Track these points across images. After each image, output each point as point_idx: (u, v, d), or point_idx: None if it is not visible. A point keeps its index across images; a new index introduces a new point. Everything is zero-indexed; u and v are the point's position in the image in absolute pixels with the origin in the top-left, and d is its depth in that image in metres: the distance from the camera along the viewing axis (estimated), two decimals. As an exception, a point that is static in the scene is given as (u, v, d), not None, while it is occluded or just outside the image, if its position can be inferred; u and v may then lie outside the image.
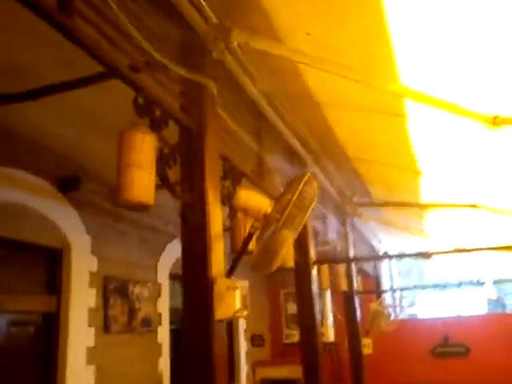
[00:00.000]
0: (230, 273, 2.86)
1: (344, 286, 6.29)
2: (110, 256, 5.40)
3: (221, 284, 2.71)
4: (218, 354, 2.73)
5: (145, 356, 5.71)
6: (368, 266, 9.01)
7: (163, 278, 6.33)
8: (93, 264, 5.11)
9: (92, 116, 3.86)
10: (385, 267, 9.48)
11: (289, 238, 2.76)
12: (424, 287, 8.11)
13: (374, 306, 6.64)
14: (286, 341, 7.37)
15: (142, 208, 2.32)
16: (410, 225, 6.88)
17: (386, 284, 9.31)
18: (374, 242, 8.68)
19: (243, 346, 8.56)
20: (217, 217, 2.82)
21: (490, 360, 8.55)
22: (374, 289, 8.81)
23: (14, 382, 4.24)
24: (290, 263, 4.19)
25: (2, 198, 4.16)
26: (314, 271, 4.85)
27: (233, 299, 2.68)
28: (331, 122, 4.09)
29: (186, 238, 2.77)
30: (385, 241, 8.70)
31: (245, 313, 2.78)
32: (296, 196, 2.45)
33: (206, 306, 2.66)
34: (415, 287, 8.15)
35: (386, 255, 6.39)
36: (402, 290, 8.14)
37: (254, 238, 2.85)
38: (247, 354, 8.60)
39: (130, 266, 5.72)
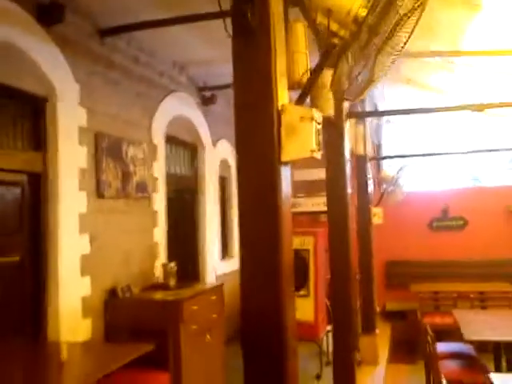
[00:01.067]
0: (301, 98, 2.14)
1: (360, 150, 5.67)
2: (100, 109, 4.53)
3: (292, 113, 2.00)
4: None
5: (140, 224, 5.11)
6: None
7: (159, 139, 5.55)
8: (82, 117, 4.26)
9: None
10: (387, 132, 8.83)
11: (386, 59, 2.01)
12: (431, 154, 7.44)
13: (385, 172, 6.12)
14: (293, 209, 6.83)
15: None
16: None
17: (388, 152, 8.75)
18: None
19: (235, 217, 8.11)
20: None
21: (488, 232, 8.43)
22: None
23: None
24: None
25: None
26: (347, 126, 4.16)
27: (308, 133, 1.99)
28: None
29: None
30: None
31: (320, 154, 2.11)
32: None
33: (271, 145, 1.99)
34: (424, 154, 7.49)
35: (421, 109, 5.59)
36: (405, 157, 7.53)
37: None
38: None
39: (122, 123, 4.89)
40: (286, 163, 2.07)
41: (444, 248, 8.65)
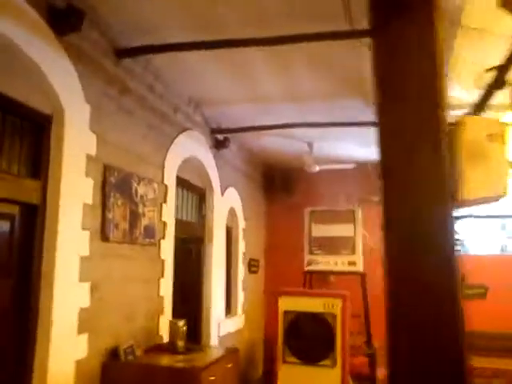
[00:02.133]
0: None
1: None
2: (112, 138, 3.93)
3: (475, 128, 1.35)
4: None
5: (146, 274, 4.41)
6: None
7: (171, 179, 4.93)
8: (91, 144, 3.64)
9: None
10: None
11: None
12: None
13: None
14: (308, 267, 6.17)
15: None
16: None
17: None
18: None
19: (241, 271, 7.41)
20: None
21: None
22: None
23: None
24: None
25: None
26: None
27: (501, 158, 1.32)
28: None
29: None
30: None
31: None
32: None
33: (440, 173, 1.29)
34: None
35: None
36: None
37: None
38: (243, 281, 7.48)
39: (134, 157, 4.28)
40: (464, 204, 1.37)
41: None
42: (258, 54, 4.33)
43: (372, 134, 6.17)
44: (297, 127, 6.04)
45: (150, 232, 4.44)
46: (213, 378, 3.54)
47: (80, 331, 3.38)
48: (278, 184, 8.43)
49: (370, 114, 5.83)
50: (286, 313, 5.03)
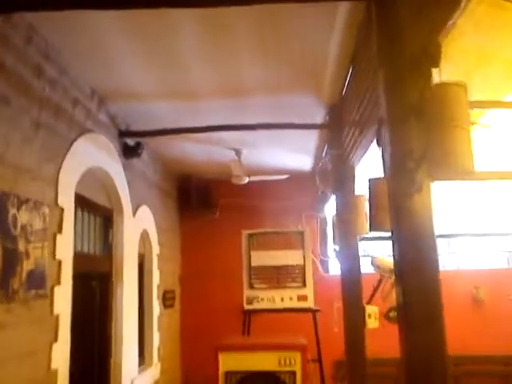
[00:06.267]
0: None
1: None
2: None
3: None
4: None
5: (28, 345, 2.96)
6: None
7: (67, 200, 3.51)
8: None
9: None
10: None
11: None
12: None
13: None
14: (248, 307, 4.95)
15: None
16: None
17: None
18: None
19: (156, 308, 6.04)
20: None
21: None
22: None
23: None
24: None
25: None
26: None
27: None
28: None
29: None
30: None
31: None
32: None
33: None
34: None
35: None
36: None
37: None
38: (159, 318, 6.11)
39: (10, 170, 2.85)
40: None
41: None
42: (186, 26, 3.12)
43: (312, 139, 4.87)
44: (230, 130, 4.84)
45: (36, 279, 3.01)
46: None
47: None
48: (200, 199, 7.13)
49: (319, 115, 4.81)
50: (228, 374, 3.80)
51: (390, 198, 2.30)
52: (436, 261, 2.14)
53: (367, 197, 2.93)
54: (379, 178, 2.78)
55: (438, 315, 2.08)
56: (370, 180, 2.92)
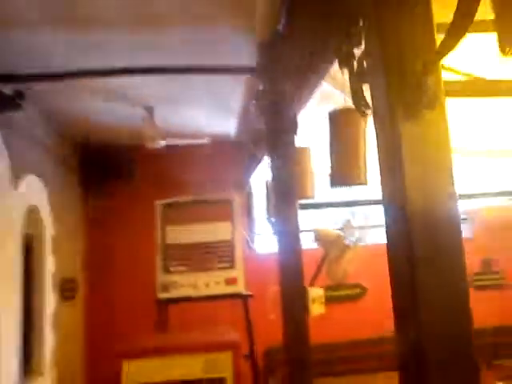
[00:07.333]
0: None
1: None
2: None
3: None
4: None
5: None
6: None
7: None
8: None
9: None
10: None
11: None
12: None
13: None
14: (163, 295, 3.96)
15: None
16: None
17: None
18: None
19: (49, 300, 4.90)
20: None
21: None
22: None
23: None
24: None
25: None
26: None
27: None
28: None
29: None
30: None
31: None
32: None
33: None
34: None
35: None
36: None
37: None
38: (54, 314, 4.97)
39: None
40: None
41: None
42: None
43: (238, 94, 3.63)
44: (136, 74, 3.79)
45: None
46: None
47: None
48: (109, 169, 5.98)
49: (248, 57, 3.87)
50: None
51: (378, 125, 1.42)
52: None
53: (328, 138, 2.04)
54: (347, 107, 1.90)
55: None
56: (330, 113, 2.03)
